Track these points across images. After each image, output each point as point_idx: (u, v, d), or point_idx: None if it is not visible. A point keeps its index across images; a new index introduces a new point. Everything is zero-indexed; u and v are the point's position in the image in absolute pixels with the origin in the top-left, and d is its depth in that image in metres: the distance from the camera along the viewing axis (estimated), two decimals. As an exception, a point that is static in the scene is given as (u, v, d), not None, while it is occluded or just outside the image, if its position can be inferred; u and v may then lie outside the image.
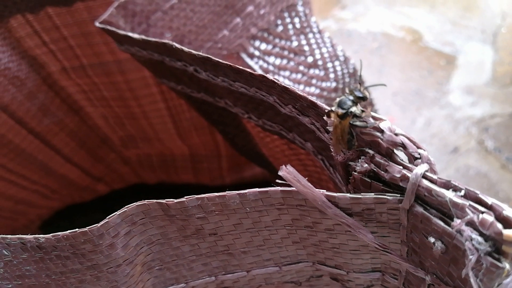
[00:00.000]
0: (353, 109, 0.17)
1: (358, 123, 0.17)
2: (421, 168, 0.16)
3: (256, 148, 0.36)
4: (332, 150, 0.19)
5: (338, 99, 0.18)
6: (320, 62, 0.36)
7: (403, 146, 0.16)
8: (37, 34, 0.36)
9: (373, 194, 0.17)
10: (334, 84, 0.36)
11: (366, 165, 0.17)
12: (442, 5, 0.79)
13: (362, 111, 0.17)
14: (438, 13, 0.78)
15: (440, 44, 0.73)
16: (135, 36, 0.27)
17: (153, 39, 0.26)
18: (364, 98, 0.17)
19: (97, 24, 0.29)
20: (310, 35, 0.36)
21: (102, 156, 0.51)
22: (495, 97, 0.64)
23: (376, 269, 0.21)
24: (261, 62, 0.35)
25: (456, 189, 0.15)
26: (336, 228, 0.19)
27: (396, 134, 0.16)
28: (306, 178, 0.17)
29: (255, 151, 0.37)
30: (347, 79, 0.36)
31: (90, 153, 0.49)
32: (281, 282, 0.24)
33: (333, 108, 0.18)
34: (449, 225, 0.15)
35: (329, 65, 0.36)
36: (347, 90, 0.18)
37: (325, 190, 0.17)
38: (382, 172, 0.17)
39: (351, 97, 0.18)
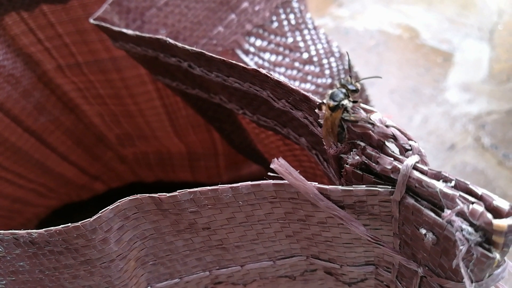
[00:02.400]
0: (345, 102, 0.17)
1: (350, 117, 0.17)
2: (411, 160, 0.16)
3: (252, 144, 0.36)
4: (323, 143, 0.19)
5: (330, 92, 0.18)
6: (315, 59, 0.36)
7: (394, 138, 0.16)
8: (32, 31, 0.36)
9: (364, 186, 0.17)
10: (329, 81, 0.36)
11: (358, 157, 0.17)
12: (439, 3, 0.79)
13: (355, 101, 0.17)
14: (435, 10, 0.78)
15: (437, 41, 0.73)
16: (129, 32, 0.27)
17: (147, 35, 0.26)
18: (356, 91, 0.17)
19: (91, 20, 0.29)
20: (305, 32, 0.36)
21: (99, 155, 0.51)
22: (492, 94, 0.64)
23: (369, 262, 0.21)
24: (256, 59, 0.35)
25: (446, 180, 0.15)
26: (329, 221, 0.19)
27: (387, 126, 0.16)
28: (302, 174, 0.17)
29: (251, 148, 0.37)
30: (342, 76, 0.36)
31: (87, 152, 0.49)
32: (275, 276, 0.24)
33: (324, 101, 0.18)
34: (439, 216, 0.15)
35: (325, 61, 0.36)
36: (338, 84, 0.18)
37: (317, 183, 0.17)
38: (373, 164, 0.17)
39: (344, 90, 0.18)
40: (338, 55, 0.36)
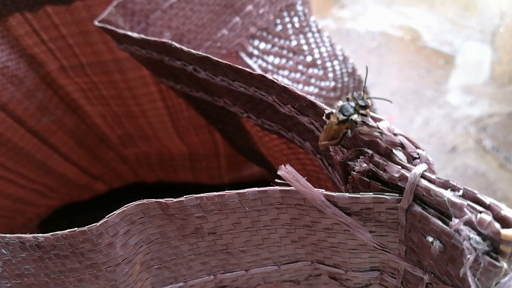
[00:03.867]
0: (354, 117, 0.17)
1: (361, 129, 0.17)
2: (419, 168, 0.16)
3: (255, 147, 0.36)
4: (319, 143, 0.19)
5: (340, 104, 0.18)
6: (319, 62, 0.36)
7: (402, 146, 0.16)
8: (36, 32, 0.36)
9: (371, 193, 0.17)
10: (333, 84, 0.36)
11: (365, 164, 0.17)
12: (441, 4, 0.79)
13: (363, 115, 0.17)
14: (436, 12, 0.78)
15: (438, 43, 0.73)
16: (134, 35, 0.27)
17: (152, 38, 0.26)
18: (366, 107, 0.17)
19: (96, 23, 0.29)
20: (309, 35, 0.36)
21: (101, 155, 0.51)
22: (493, 96, 0.64)
23: (374, 268, 0.21)
24: (260, 62, 0.35)
25: (454, 188, 0.15)
26: (335, 227, 0.19)
27: (395, 134, 0.16)
28: (305, 178, 0.17)
29: (254, 150, 0.37)
30: (345, 78, 0.36)
31: (89, 152, 0.49)
32: (280, 281, 0.24)
33: (333, 111, 0.18)
34: (447, 224, 0.15)
35: (328, 64, 0.36)
36: (350, 96, 0.18)
37: (324, 190, 0.17)
38: (381, 172, 0.17)
39: (353, 104, 0.18)
40: (341, 58, 0.36)
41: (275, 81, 0.20)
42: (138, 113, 0.44)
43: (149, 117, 0.45)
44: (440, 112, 0.64)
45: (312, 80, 0.36)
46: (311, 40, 0.35)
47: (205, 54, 0.23)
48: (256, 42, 0.34)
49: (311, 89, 0.36)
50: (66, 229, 0.19)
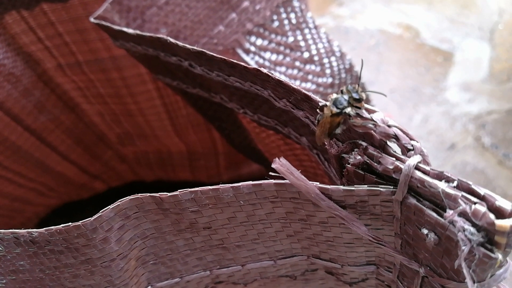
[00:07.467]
0: (348, 110, 0.17)
1: (354, 121, 0.17)
2: (414, 159, 0.15)
3: (252, 144, 0.36)
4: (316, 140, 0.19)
5: (334, 97, 0.18)
6: (316, 58, 0.36)
7: (396, 138, 0.16)
8: (32, 30, 0.36)
9: (366, 186, 0.16)
10: (330, 80, 0.36)
11: (359, 157, 0.17)
12: (440, 2, 0.79)
13: (357, 107, 0.17)
14: (435, 10, 0.78)
15: (437, 41, 0.73)
16: (130, 31, 0.27)
17: (147, 34, 0.26)
18: (360, 100, 0.17)
19: (91, 19, 0.29)
20: (306, 31, 0.36)
21: (99, 154, 0.51)
22: (492, 93, 0.64)
23: (370, 262, 0.21)
24: (257, 58, 0.35)
25: (448, 180, 0.15)
26: (330, 221, 0.19)
27: (389, 126, 0.16)
28: (299, 171, 0.17)
29: (251, 147, 0.37)
30: (343, 75, 0.36)
31: (87, 151, 0.49)
32: (276, 276, 0.24)
33: (327, 103, 0.18)
34: (442, 216, 0.15)
35: (325, 60, 0.36)
36: (344, 89, 0.18)
37: (318, 183, 0.17)
38: (375, 164, 0.17)
39: (347, 97, 0.18)
40: (338, 54, 0.36)
41: (270, 74, 0.20)
42: (136, 111, 0.44)
43: (147, 115, 0.45)
44: (439, 109, 0.64)
45: (310, 77, 0.36)
46: (308, 36, 0.35)
47: (200, 49, 0.23)
48: (252, 39, 0.34)
49: (308, 85, 0.35)
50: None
